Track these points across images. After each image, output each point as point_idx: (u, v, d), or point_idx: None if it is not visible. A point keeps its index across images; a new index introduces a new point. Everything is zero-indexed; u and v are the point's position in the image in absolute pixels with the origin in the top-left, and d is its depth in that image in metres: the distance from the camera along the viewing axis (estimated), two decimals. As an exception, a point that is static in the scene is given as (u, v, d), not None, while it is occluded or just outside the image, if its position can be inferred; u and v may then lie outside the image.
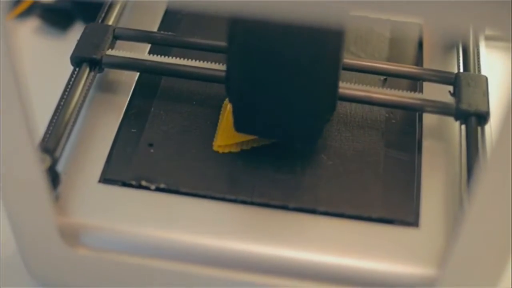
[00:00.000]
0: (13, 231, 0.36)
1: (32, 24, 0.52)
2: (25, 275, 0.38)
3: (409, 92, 0.40)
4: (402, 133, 0.40)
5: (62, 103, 0.38)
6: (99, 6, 0.43)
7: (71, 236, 0.36)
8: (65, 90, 0.39)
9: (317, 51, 0.34)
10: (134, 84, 0.42)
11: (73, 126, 0.38)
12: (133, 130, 0.39)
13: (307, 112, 0.36)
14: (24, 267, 0.38)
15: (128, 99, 0.41)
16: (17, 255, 0.37)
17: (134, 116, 0.40)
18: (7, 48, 0.28)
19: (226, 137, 0.39)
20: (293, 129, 0.37)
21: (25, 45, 0.50)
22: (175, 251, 0.36)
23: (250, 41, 0.34)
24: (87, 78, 0.40)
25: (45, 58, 0.49)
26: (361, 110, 0.41)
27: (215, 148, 0.39)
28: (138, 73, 0.42)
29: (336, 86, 0.37)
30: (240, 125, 0.37)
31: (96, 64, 0.40)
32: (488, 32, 0.42)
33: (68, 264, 0.36)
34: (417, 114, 0.41)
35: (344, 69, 0.40)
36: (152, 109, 0.40)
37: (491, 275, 0.33)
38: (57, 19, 0.52)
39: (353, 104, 0.41)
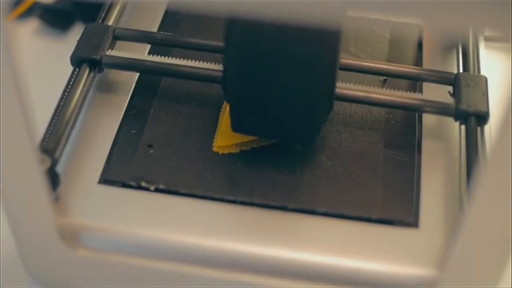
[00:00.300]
0: (13, 232, 0.36)
1: (32, 25, 0.52)
2: (25, 275, 0.38)
3: (408, 92, 0.40)
4: (402, 133, 0.40)
5: (62, 103, 0.38)
6: (99, 6, 0.43)
7: (70, 236, 0.36)
8: (65, 91, 0.39)
9: (313, 51, 0.34)
10: (133, 85, 0.42)
11: (73, 126, 0.38)
12: (132, 131, 0.39)
13: (303, 112, 0.36)
14: (24, 267, 0.38)
15: (128, 100, 0.41)
16: (16, 255, 0.37)
17: (133, 117, 0.40)
18: (7, 49, 0.28)
19: (225, 138, 0.39)
20: (289, 129, 0.37)
21: (25, 46, 0.50)
22: (175, 251, 0.36)
23: (246, 41, 0.34)
24: (87, 78, 0.40)
25: (45, 59, 0.49)
26: (360, 110, 0.41)
27: (214, 149, 0.39)
28: (137, 75, 0.42)
29: (333, 86, 0.37)
30: (236, 125, 0.37)
31: (96, 65, 0.40)
32: (488, 33, 0.42)
33: (68, 265, 0.36)
34: (417, 114, 0.41)
35: (344, 69, 0.40)
36: (152, 110, 0.40)
37: (491, 276, 0.33)
38: (57, 20, 0.52)
39: (353, 105, 0.41)
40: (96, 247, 0.36)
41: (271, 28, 0.33)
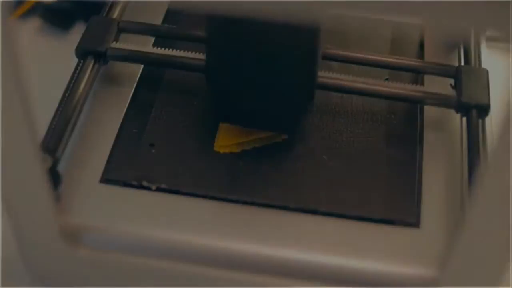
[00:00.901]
0: (14, 231, 0.36)
1: (34, 24, 0.52)
2: (25, 275, 0.38)
3: (410, 84, 0.40)
4: (403, 133, 0.40)
5: (66, 95, 0.39)
6: (101, 6, 0.43)
7: (72, 236, 0.36)
8: (69, 83, 0.39)
9: (293, 40, 0.34)
10: (135, 84, 0.42)
11: (74, 125, 0.38)
12: (134, 130, 0.39)
13: (283, 101, 0.36)
14: (25, 267, 0.38)
15: (129, 99, 0.41)
16: (17, 255, 0.37)
17: (135, 116, 0.40)
18: (9, 48, 0.28)
19: (227, 137, 0.39)
20: (270, 117, 0.37)
21: (27, 45, 0.50)
22: (176, 251, 0.36)
23: (227, 29, 0.34)
24: (91, 70, 0.40)
25: (46, 58, 0.49)
26: (361, 110, 0.41)
27: (216, 148, 0.39)
28: (140, 72, 0.42)
29: (313, 75, 0.37)
30: (220, 114, 0.37)
31: (101, 56, 0.40)
32: (489, 33, 0.42)
33: (69, 264, 0.37)
34: (418, 110, 0.41)
35: (346, 62, 0.41)
36: (154, 109, 0.40)
37: (492, 276, 0.33)
38: (58, 19, 0.52)
39: (354, 104, 0.41)
40: (97, 247, 0.36)
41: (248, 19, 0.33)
